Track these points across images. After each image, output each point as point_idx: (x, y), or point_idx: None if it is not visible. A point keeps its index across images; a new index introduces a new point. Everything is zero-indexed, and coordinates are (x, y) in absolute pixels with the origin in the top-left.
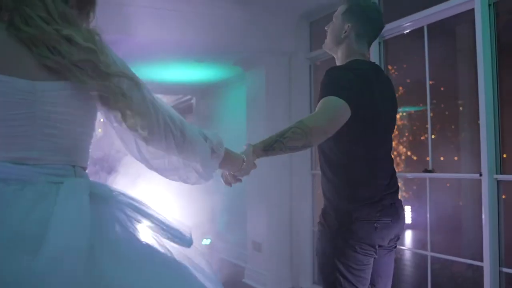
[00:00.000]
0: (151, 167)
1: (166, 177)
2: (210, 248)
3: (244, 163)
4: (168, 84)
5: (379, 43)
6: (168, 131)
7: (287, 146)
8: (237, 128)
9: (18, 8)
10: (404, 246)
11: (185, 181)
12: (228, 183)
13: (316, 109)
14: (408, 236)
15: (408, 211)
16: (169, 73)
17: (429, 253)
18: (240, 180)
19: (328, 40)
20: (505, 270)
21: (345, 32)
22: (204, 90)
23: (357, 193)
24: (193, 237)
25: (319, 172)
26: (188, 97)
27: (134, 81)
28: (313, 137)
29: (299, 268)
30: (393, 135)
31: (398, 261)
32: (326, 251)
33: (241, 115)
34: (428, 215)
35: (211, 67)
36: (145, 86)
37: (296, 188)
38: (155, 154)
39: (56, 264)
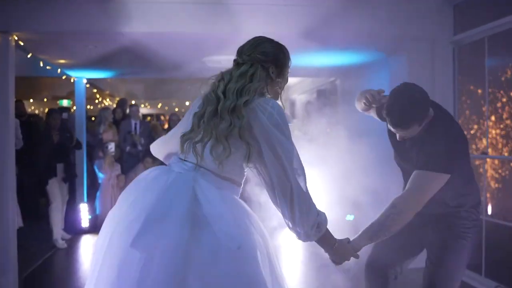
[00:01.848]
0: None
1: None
2: (354, 225)
3: (336, 244)
4: (312, 68)
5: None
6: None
7: (390, 232)
8: None
9: None
10: None
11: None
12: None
13: (415, 183)
14: None
15: None
16: (313, 58)
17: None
18: (339, 263)
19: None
20: None
21: None
22: (347, 72)
23: None
24: (336, 212)
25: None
26: (332, 78)
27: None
28: (408, 218)
29: None
30: None
31: None
32: None
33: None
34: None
35: (355, 52)
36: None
37: None
38: None
39: None
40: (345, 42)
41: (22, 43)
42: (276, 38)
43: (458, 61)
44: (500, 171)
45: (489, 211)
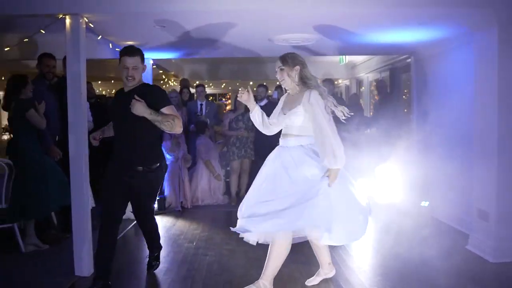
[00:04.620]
0: None
1: None
2: (429, 211)
3: None
4: (381, 45)
5: None
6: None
7: None
8: (461, 91)
9: None
10: None
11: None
12: None
13: None
14: None
15: None
16: (384, 35)
17: None
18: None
19: None
20: None
21: None
22: (422, 50)
23: None
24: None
25: None
26: (405, 56)
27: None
28: None
29: None
30: None
31: None
32: None
33: (466, 77)
34: None
35: (432, 27)
36: None
37: None
38: None
39: None
40: (423, 15)
41: (92, 26)
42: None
43: None
44: None
45: None
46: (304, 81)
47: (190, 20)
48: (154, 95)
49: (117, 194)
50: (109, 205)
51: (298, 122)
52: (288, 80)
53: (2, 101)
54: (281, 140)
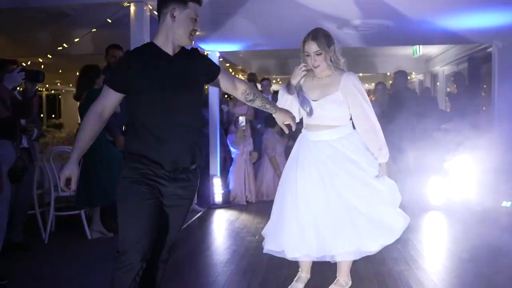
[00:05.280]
0: None
1: None
2: (510, 212)
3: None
4: (459, 32)
5: None
6: None
7: None
8: None
9: None
10: None
11: None
12: None
13: None
14: None
15: None
16: (460, 19)
17: None
18: None
19: None
20: None
21: None
22: (508, 36)
23: None
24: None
25: None
26: (486, 45)
27: None
28: None
29: None
30: None
31: None
32: None
33: None
34: None
35: None
36: None
37: None
38: None
39: None
40: None
41: (156, 13)
42: None
43: None
44: None
45: None
46: (337, 62)
47: (254, 7)
48: (206, 58)
49: (151, 216)
50: (137, 237)
51: (336, 111)
52: (324, 64)
53: (75, 92)
54: (309, 133)
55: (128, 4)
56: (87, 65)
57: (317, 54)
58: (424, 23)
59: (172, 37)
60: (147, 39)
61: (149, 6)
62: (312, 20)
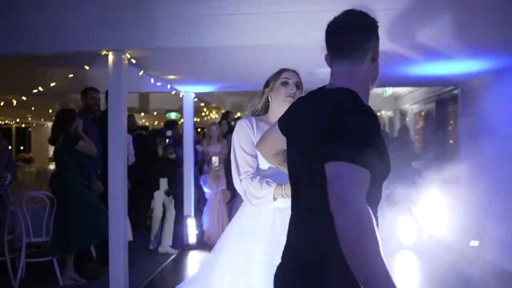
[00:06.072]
0: None
1: None
2: (477, 251)
3: None
4: (427, 77)
5: None
6: None
7: None
8: None
9: None
10: None
11: None
12: None
13: None
14: None
15: None
16: (429, 67)
17: None
18: None
19: None
20: None
21: None
22: (471, 81)
23: None
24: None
25: None
26: (451, 87)
27: None
28: None
29: None
30: None
31: None
32: None
33: None
34: None
35: (482, 58)
36: None
37: None
38: None
39: None
40: (476, 47)
41: (134, 61)
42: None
43: None
44: None
45: None
46: None
47: (231, 55)
48: None
49: None
50: None
51: None
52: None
53: (50, 135)
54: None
55: (106, 53)
56: (63, 109)
57: (297, 87)
58: (394, 69)
59: None
60: (125, 88)
61: (127, 55)
62: (282, 66)
